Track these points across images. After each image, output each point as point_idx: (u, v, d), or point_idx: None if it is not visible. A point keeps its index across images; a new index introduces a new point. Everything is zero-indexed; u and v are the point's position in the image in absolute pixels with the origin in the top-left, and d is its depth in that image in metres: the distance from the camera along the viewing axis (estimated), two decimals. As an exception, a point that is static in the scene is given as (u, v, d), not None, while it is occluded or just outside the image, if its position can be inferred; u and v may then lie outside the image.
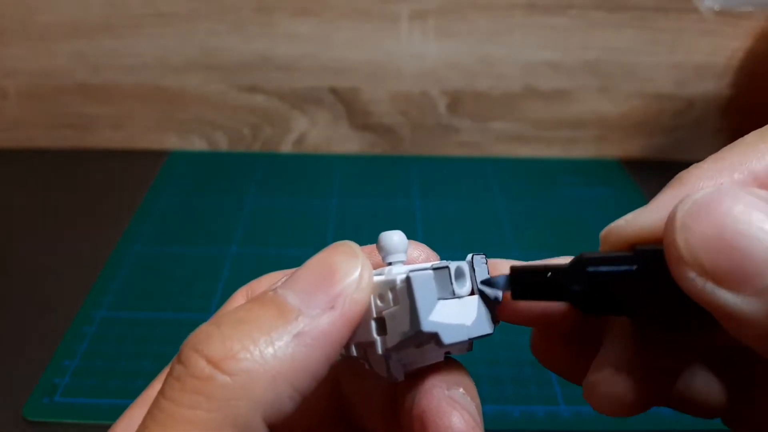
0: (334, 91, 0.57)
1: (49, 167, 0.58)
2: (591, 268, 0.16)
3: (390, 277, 0.17)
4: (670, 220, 0.14)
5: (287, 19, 0.54)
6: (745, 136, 0.17)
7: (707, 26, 0.54)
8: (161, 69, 0.56)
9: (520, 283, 0.17)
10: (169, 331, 0.40)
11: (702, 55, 0.56)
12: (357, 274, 0.17)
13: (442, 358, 0.18)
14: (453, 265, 0.18)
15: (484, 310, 0.18)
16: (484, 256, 0.18)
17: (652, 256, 0.15)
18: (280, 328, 0.15)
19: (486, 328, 0.18)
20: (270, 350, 0.15)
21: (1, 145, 0.60)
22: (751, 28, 0.54)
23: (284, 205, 0.53)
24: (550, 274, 0.17)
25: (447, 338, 0.16)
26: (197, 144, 0.60)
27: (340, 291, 0.16)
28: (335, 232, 0.50)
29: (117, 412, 0.35)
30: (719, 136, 0.59)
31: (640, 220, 0.17)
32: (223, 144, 0.60)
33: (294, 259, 0.51)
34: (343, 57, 0.56)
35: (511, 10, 0.53)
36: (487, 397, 0.36)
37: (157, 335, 0.40)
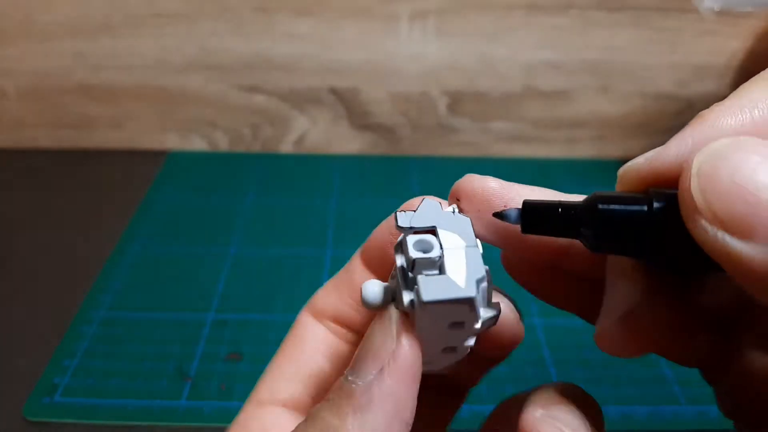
0: (334, 91, 0.57)
1: (49, 167, 0.58)
2: (602, 206, 0.16)
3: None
4: (687, 166, 0.14)
5: (287, 19, 0.54)
6: (765, 71, 0.16)
7: (707, 26, 0.54)
8: (161, 69, 0.56)
9: (531, 216, 0.17)
10: (169, 331, 0.40)
11: (702, 55, 0.56)
12: (404, 339, 0.17)
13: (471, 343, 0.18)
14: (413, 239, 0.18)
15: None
16: (437, 201, 0.19)
17: (665, 200, 0.15)
18: (345, 406, 0.17)
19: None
20: (342, 429, 0.16)
21: (1, 145, 0.60)
22: (751, 28, 0.54)
23: (284, 205, 0.53)
24: (561, 209, 0.17)
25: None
26: (197, 144, 0.60)
27: (385, 351, 0.17)
28: (335, 232, 0.50)
29: (117, 412, 0.35)
30: (719, 136, 0.59)
31: (659, 160, 0.17)
32: (223, 144, 0.60)
33: (294, 259, 0.52)
34: (343, 57, 0.56)
35: (511, 10, 0.53)
36: (486, 396, 0.36)
37: (157, 335, 0.40)
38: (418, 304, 0.16)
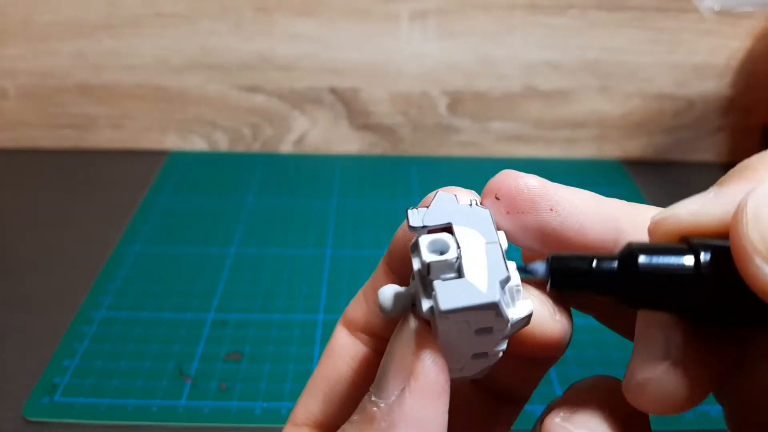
0: (334, 91, 0.57)
1: (49, 167, 0.58)
2: (643, 260, 0.14)
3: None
4: (740, 209, 0.13)
5: (287, 19, 0.54)
6: None
7: (707, 26, 0.54)
8: (161, 69, 0.56)
9: (561, 272, 0.16)
10: (169, 331, 0.40)
11: (702, 55, 0.56)
12: (425, 353, 0.16)
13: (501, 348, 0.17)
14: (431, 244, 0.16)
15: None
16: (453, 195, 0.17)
17: (714, 250, 0.14)
18: (367, 431, 0.16)
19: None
20: None
21: (1, 145, 0.60)
22: (751, 28, 0.54)
23: (284, 205, 0.53)
24: (595, 263, 0.15)
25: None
26: (197, 144, 0.60)
27: (405, 369, 0.16)
28: (335, 232, 0.50)
29: (117, 412, 0.35)
30: (719, 136, 0.59)
31: (705, 213, 0.15)
32: (223, 144, 0.60)
33: (294, 259, 0.52)
34: (343, 57, 0.56)
35: (511, 10, 0.53)
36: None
37: (157, 335, 0.40)
38: (437, 312, 0.15)
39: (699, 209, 0.15)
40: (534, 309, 0.17)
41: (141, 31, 0.54)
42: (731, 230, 0.13)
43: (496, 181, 0.18)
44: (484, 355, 0.17)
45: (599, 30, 0.54)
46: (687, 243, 0.15)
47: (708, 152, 0.59)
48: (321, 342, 0.40)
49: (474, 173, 0.58)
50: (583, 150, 0.60)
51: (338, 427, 0.19)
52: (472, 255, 0.15)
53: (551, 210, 0.17)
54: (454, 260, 0.15)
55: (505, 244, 0.16)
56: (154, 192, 0.55)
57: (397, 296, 0.17)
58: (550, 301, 0.18)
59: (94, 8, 0.53)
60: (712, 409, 0.36)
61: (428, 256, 0.15)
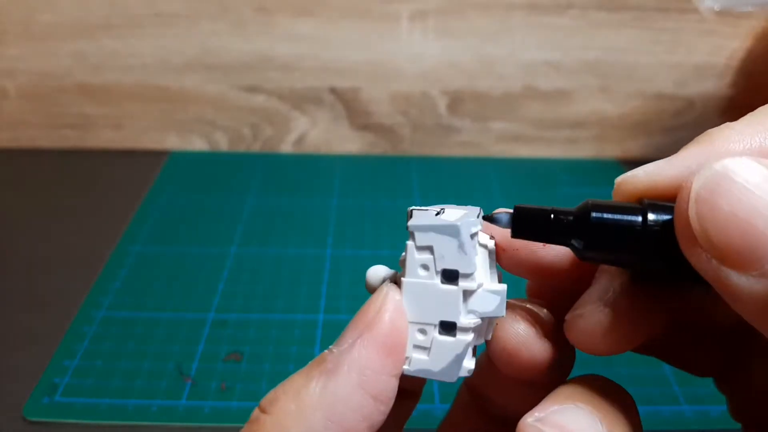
0: (334, 91, 0.57)
1: (49, 167, 0.58)
2: (595, 215, 0.16)
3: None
4: (685, 186, 0.14)
5: (287, 19, 0.54)
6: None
7: (707, 26, 0.54)
8: (161, 69, 0.56)
9: (523, 221, 0.17)
10: (169, 331, 0.40)
11: (702, 55, 0.56)
12: (384, 307, 0.17)
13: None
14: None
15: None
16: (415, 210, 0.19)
17: (660, 212, 0.15)
18: (314, 370, 0.17)
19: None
20: (304, 389, 0.17)
21: (1, 145, 0.60)
22: (751, 28, 0.54)
23: (284, 205, 0.53)
24: (553, 216, 0.16)
25: None
26: (197, 144, 0.60)
27: (364, 322, 0.17)
28: (335, 232, 0.50)
29: (117, 412, 0.35)
30: (719, 136, 0.59)
31: (659, 174, 0.16)
32: (223, 144, 0.60)
33: (294, 259, 0.52)
34: (343, 57, 0.56)
35: (511, 10, 0.53)
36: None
37: (157, 335, 0.40)
38: (409, 230, 0.17)
39: (654, 170, 0.16)
40: (521, 330, 0.18)
41: (141, 31, 0.54)
42: (676, 206, 0.14)
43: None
44: (453, 329, 0.17)
45: (599, 30, 0.54)
46: (640, 203, 0.16)
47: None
48: (321, 342, 0.40)
49: (474, 173, 0.58)
50: (583, 150, 0.60)
51: None
52: (452, 213, 0.17)
53: (543, 246, 0.18)
54: (435, 213, 0.17)
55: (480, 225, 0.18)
56: (154, 192, 0.55)
57: (388, 276, 0.18)
58: (537, 327, 0.18)
59: (94, 8, 0.53)
60: (712, 409, 0.36)
61: (412, 207, 0.18)
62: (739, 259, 0.13)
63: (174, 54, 0.55)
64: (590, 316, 0.17)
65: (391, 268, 0.19)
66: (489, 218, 0.17)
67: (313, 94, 0.58)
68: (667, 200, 0.16)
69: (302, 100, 0.58)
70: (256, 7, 0.53)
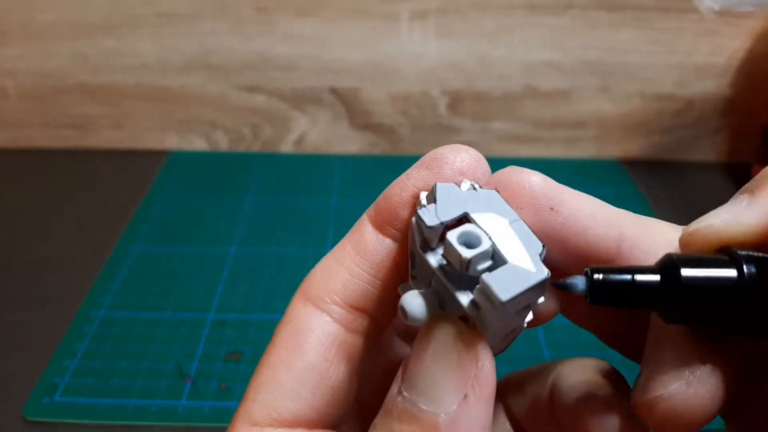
0: (334, 91, 0.57)
1: (49, 167, 0.58)
2: (686, 273, 0.14)
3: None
4: None
5: (287, 19, 0.54)
6: None
7: (707, 26, 0.54)
8: (161, 69, 0.56)
9: (601, 286, 0.15)
10: (169, 331, 0.40)
11: (702, 55, 0.56)
12: (481, 356, 0.16)
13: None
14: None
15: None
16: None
17: (757, 261, 0.14)
18: None
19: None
20: None
21: (1, 145, 0.60)
22: (751, 28, 0.54)
23: (284, 205, 0.53)
24: (635, 279, 0.15)
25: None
26: (197, 144, 0.60)
27: (468, 376, 0.16)
28: (335, 232, 0.50)
29: (117, 412, 0.35)
30: (719, 136, 0.59)
31: (739, 220, 0.15)
32: (223, 144, 0.60)
33: (294, 259, 0.51)
34: (343, 57, 0.56)
35: (511, 10, 0.53)
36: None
37: (157, 335, 0.40)
38: (491, 304, 0.14)
39: (734, 218, 0.15)
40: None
41: (141, 31, 0.54)
42: None
43: (499, 174, 0.18)
44: (513, 331, 0.17)
45: (599, 30, 0.54)
46: (726, 254, 0.14)
47: (708, 152, 0.59)
48: (321, 342, 0.40)
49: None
50: (583, 150, 0.60)
51: (315, 424, 0.18)
52: (503, 238, 0.15)
53: (552, 209, 0.17)
54: (490, 249, 0.15)
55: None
56: (154, 192, 0.55)
57: (426, 300, 0.16)
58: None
59: (94, 8, 0.53)
60: None
61: (465, 252, 0.15)
62: None
63: (174, 54, 0.55)
64: (675, 396, 0.15)
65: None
66: (561, 286, 0.15)
67: (313, 94, 0.58)
68: (751, 249, 0.14)
69: (302, 100, 0.58)
70: (256, 7, 0.53)
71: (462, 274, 0.15)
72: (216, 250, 0.48)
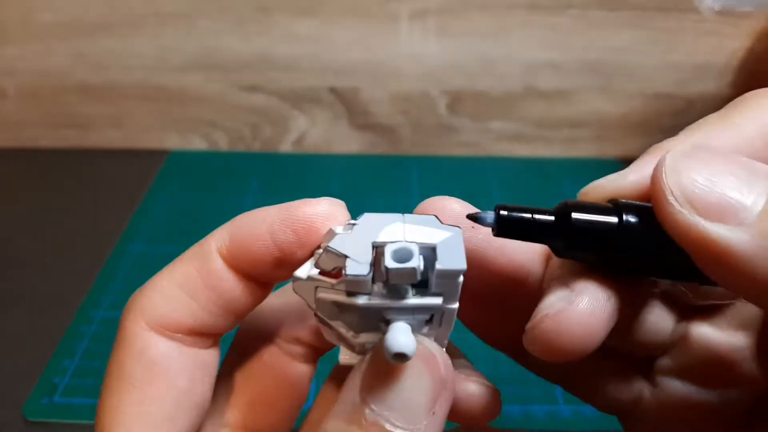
0: (334, 91, 0.57)
1: (49, 167, 0.58)
2: (575, 214, 0.17)
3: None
4: (659, 166, 0.16)
5: (287, 19, 0.54)
6: (707, 117, 0.19)
7: (707, 26, 0.54)
8: (161, 69, 0.56)
9: (506, 221, 0.17)
10: (169, 331, 0.40)
11: (702, 55, 0.56)
12: (450, 374, 0.17)
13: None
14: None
15: None
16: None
17: (633, 207, 0.17)
18: None
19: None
20: None
21: (1, 145, 0.60)
22: (751, 28, 0.54)
23: (284, 205, 0.53)
24: (534, 216, 0.17)
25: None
26: (197, 144, 0.60)
27: (439, 394, 0.17)
28: (335, 232, 0.50)
29: (117, 411, 0.35)
30: (719, 136, 0.59)
31: (622, 179, 0.18)
32: (223, 144, 0.60)
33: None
34: (343, 57, 0.56)
35: (511, 10, 0.53)
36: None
37: (157, 335, 0.40)
38: (450, 280, 0.16)
39: (616, 178, 0.18)
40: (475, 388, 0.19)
41: (141, 31, 0.54)
42: (652, 183, 0.16)
43: (425, 203, 0.20)
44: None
45: (599, 30, 0.54)
46: (611, 203, 0.18)
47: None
48: (321, 342, 0.40)
49: (474, 173, 0.58)
50: (583, 150, 0.60)
51: None
52: (422, 237, 0.17)
53: (472, 227, 0.18)
54: (416, 268, 0.16)
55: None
56: (154, 192, 0.55)
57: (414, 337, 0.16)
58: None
59: (94, 8, 0.53)
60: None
61: (414, 262, 0.16)
62: (717, 212, 0.14)
63: (174, 54, 0.55)
64: (559, 314, 0.17)
65: None
66: (473, 218, 0.18)
67: (313, 94, 0.58)
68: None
69: (302, 100, 0.58)
70: (256, 6, 0.53)
71: (404, 289, 0.16)
72: (216, 250, 0.48)
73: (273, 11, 0.53)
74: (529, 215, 0.17)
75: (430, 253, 0.16)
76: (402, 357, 0.16)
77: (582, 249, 0.17)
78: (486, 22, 0.54)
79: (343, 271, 0.16)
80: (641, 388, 0.20)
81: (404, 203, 0.53)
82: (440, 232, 0.17)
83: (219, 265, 0.19)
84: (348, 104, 0.58)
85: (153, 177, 0.57)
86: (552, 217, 0.17)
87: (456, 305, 0.17)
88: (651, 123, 0.59)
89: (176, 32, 0.54)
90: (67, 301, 0.43)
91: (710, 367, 0.19)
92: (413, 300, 0.16)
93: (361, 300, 0.16)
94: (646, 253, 0.17)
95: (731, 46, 0.55)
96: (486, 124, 0.59)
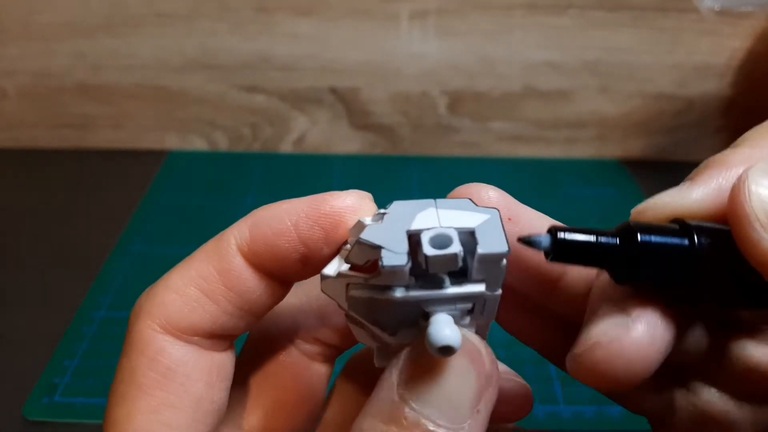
0: (334, 91, 0.57)
1: (49, 167, 0.58)
2: (642, 237, 0.15)
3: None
4: (741, 181, 0.14)
5: (287, 19, 0.54)
6: (760, 126, 0.17)
7: (707, 26, 0.54)
8: (161, 69, 0.56)
9: (564, 245, 0.16)
10: (169, 331, 0.40)
11: (702, 55, 0.56)
12: (495, 371, 0.16)
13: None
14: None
15: None
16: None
17: (710, 230, 0.15)
18: None
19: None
20: None
21: (1, 145, 0.60)
22: (751, 28, 0.54)
23: (284, 205, 0.53)
24: (596, 237, 0.16)
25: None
26: (197, 144, 0.60)
27: (484, 392, 0.16)
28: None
29: (117, 412, 0.35)
30: (719, 136, 0.59)
31: (686, 196, 0.16)
32: (223, 144, 0.60)
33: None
34: (343, 57, 0.56)
35: (511, 10, 0.53)
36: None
37: (157, 335, 0.40)
38: (495, 263, 0.15)
39: (678, 194, 0.16)
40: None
41: (141, 31, 0.54)
42: (731, 200, 0.14)
43: (461, 188, 0.19)
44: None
45: (599, 30, 0.54)
46: (677, 224, 0.16)
47: (708, 152, 0.59)
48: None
49: (474, 173, 0.58)
50: (583, 150, 0.60)
51: None
52: (461, 221, 0.16)
53: (509, 219, 0.18)
54: (459, 253, 0.15)
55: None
56: (154, 192, 0.55)
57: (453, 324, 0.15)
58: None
59: (94, 8, 0.53)
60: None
61: (454, 248, 0.15)
62: None
63: (174, 54, 0.55)
64: (614, 343, 0.15)
65: None
66: (527, 241, 0.16)
67: (313, 94, 0.58)
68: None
69: (302, 100, 0.58)
70: (256, 7, 0.53)
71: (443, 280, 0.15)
72: (216, 250, 0.48)
73: (273, 11, 0.53)
74: (593, 237, 0.16)
75: (468, 237, 0.15)
76: (448, 350, 0.15)
77: (648, 275, 0.16)
78: (486, 22, 0.54)
79: (379, 263, 0.15)
80: (675, 393, 0.19)
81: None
82: (477, 215, 0.16)
83: (239, 263, 0.18)
84: (348, 104, 0.58)
85: (153, 177, 0.57)
86: (616, 240, 0.16)
87: (499, 292, 0.16)
88: (651, 123, 0.59)
89: (176, 32, 0.54)
90: (67, 301, 0.43)
91: (749, 382, 0.18)
92: (455, 289, 0.15)
93: (399, 293, 0.15)
94: (721, 280, 0.16)
95: (731, 46, 0.55)
96: (486, 125, 0.59)
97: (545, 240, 0.16)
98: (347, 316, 0.17)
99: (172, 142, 0.60)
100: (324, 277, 0.17)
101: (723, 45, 0.55)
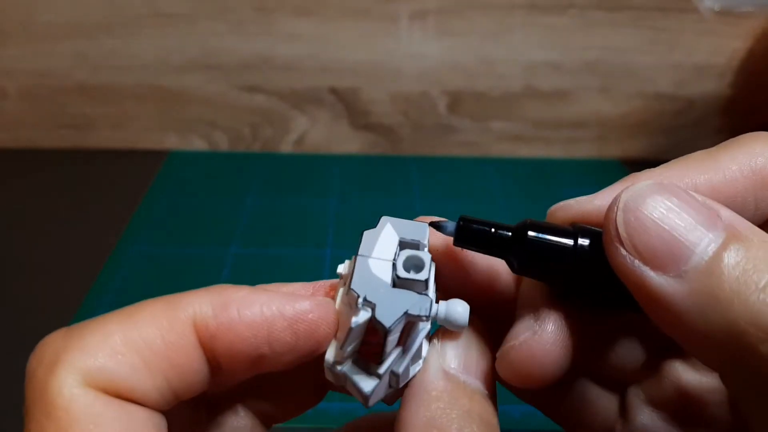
0: (334, 91, 0.57)
1: (49, 167, 0.58)
2: (531, 234, 0.17)
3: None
4: (614, 200, 0.16)
5: (287, 19, 0.54)
6: (695, 153, 0.18)
7: (707, 26, 0.54)
8: (161, 69, 0.56)
9: (466, 231, 0.18)
10: (169, 331, 0.40)
11: (702, 55, 0.56)
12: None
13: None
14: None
15: None
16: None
17: (590, 235, 0.17)
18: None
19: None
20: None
21: (1, 145, 0.60)
22: (751, 28, 0.54)
23: (284, 205, 0.53)
24: (494, 230, 0.18)
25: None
26: (197, 144, 0.60)
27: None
28: (335, 232, 0.50)
29: (117, 412, 0.35)
30: (719, 136, 0.59)
31: (588, 203, 0.18)
32: (223, 144, 0.60)
33: (294, 259, 0.51)
34: (343, 57, 0.56)
35: (511, 10, 0.53)
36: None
37: (157, 335, 0.40)
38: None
39: (584, 201, 0.18)
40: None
41: (141, 31, 0.54)
42: (605, 216, 0.16)
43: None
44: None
45: (599, 30, 0.54)
46: (572, 226, 0.18)
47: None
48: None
49: (474, 173, 0.58)
50: (583, 150, 0.60)
51: None
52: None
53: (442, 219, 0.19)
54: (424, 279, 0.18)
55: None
56: (154, 192, 0.55)
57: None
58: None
59: (94, 8, 0.53)
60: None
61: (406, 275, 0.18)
62: (657, 259, 0.14)
63: (174, 54, 0.55)
64: (524, 344, 0.17)
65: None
66: (436, 225, 0.18)
67: (313, 94, 0.58)
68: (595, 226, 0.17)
69: (302, 100, 0.58)
70: (256, 7, 0.53)
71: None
72: (216, 250, 0.48)
73: (273, 11, 0.53)
74: (489, 228, 0.18)
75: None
76: (460, 324, 0.18)
77: (534, 268, 0.18)
78: (486, 22, 0.54)
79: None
80: (616, 418, 0.20)
81: (404, 203, 0.53)
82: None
83: (191, 342, 0.16)
84: (348, 104, 0.58)
85: (153, 177, 0.57)
86: (509, 233, 0.18)
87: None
88: (651, 123, 0.59)
89: (176, 32, 0.54)
90: (67, 301, 0.43)
91: (681, 405, 0.19)
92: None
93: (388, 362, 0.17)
94: (596, 280, 0.17)
95: (731, 46, 0.55)
96: (486, 124, 0.59)
97: (450, 225, 0.18)
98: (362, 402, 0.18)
99: (172, 142, 0.60)
100: (332, 368, 0.17)
101: (723, 45, 0.55)
